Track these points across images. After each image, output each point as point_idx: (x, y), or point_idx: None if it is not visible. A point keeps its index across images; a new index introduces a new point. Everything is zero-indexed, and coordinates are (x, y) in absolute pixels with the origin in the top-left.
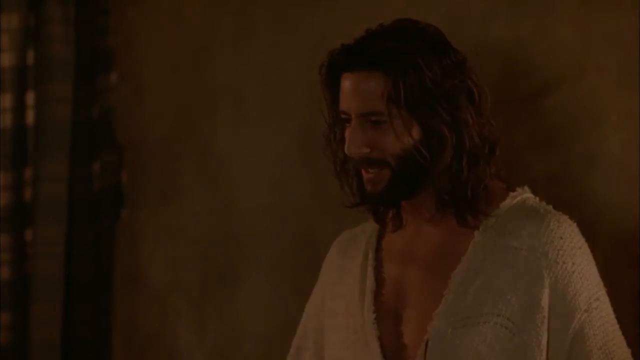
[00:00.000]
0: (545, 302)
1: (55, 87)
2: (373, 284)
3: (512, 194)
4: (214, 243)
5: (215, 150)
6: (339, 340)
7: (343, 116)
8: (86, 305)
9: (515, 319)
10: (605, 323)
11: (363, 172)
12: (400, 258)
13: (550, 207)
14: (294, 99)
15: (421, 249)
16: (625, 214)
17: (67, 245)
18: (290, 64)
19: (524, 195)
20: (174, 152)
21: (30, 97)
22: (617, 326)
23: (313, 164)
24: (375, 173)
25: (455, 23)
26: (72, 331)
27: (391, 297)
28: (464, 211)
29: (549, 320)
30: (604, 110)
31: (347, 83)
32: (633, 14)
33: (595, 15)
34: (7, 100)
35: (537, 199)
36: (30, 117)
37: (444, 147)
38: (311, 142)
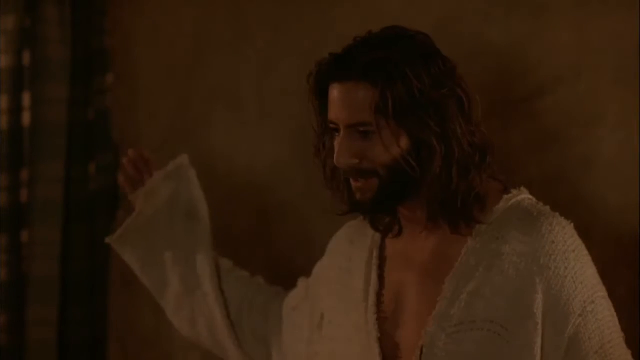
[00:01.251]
0: (538, 308)
1: (51, 88)
2: (376, 285)
3: (506, 196)
4: None
5: (211, 151)
6: (344, 334)
7: (332, 126)
8: (82, 306)
9: (508, 325)
10: (601, 326)
11: (352, 181)
12: (400, 262)
13: (546, 208)
14: (289, 101)
15: (418, 254)
16: (621, 215)
17: (63, 246)
18: (285, 65)
19: (520, 197)
20: (170, 153)
21: (26, 98)
22: (616, 328)
23: (308, 165)
24: (364, 182)
25: (451, 24)
26: (68, 332)
27: (391, 300)
28: (455, 220)
29: (543, 326)
30: (599, 111)
31: (335, 93)
32: (629, 15)
33: (591, 17)
34: (4, 101)
35: (534, 199)
36: (26, 118)
37: (432, 157)
38: (306, 143)
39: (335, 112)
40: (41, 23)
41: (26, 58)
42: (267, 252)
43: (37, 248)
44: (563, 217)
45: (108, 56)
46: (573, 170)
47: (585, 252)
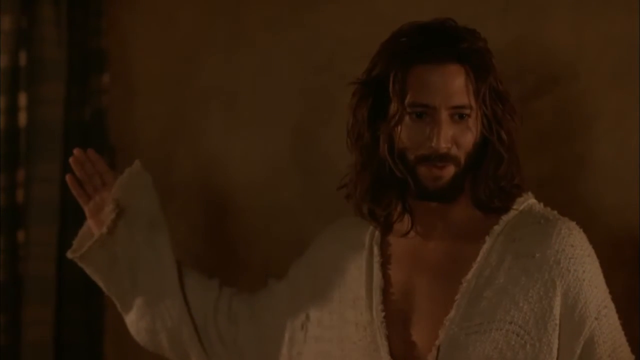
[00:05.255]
0: (557, 310)
1: (47, 88)
2: (381, 282)
3: (518, 199)
4: (206, 245)
5: (207, 151)
6: (337, 334)
7: (415, 109)
8: (78, 306)
9: (527, 326)
10: (613, 330)
11: (424, 168)
12: (408, 261)
13: (556, 212)
14: (285, 101)
15: (430, 255)
16: (617, 216)
17: (59, 247)
18: (281, 66)
19: (529, 201)
20: (166, 153)
21: (22, 99)
22: (622, 333)
23: (304, 165)
24: (443, 169)
25: None
26: (64, 332)
27: (399, 299)
28: (499, 207)
29: (560, 328)
30: (596, 112)
31: (430, 75)
32: (627, 16)
33: (588, 17)
34: (0, 101)
35: (542, 204)
36: (22, 118)
37: (509, 143)
38: (302, 143)
39: (431, 93)
40: (37, 23)
41: (22, 58)
42: (263, 253)
43: (33, 248)
44: (575, 222)
45: (104, 56)
46: (570, 170)
47: (596, 257)
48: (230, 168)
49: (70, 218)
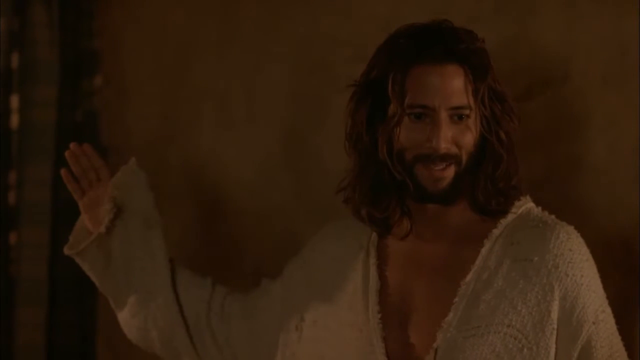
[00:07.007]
0: (554, 314)
1: (39, 90)
2: (377, 284)
3: (517, 202)
4: (198, 246)
5: (200, 153)
6: (333, 336)
7: (415, 110)
8: (71, 308)
9: (525, 330)
10: (610, 335)
11: (425, 170)
12: (405, 263)
13: (554, 217)
14: (277, 102)
15: (428, 257)
16: (609, 217)
17: (51, 249)
18: (274, 67)
19: (528, 204)
20: (159, 155)
21: (14, 101)
22: (619, 337)
23: (296, 166)
24: (444, 171)
25: None
26: (56, 335)
27: (396, 301)
28: (497, 209)
29: (557, 332)
30: (588, 113)
31: (430, 75)
32: (618, 17)
33: (579, 18)
34: None
35: (540, 208)
36: (14, 120)
37: (506, 143)
38: (295, 145)
39: (430, 94)
40: (30, 25)
41: (15, 60)
42: (255, 253)
43: (25, 250)
44: (573, 227)
45: (97, 58)
46: (562, 171)
47: (594, 262)
48: (223, 169)
49: (63, 220)
